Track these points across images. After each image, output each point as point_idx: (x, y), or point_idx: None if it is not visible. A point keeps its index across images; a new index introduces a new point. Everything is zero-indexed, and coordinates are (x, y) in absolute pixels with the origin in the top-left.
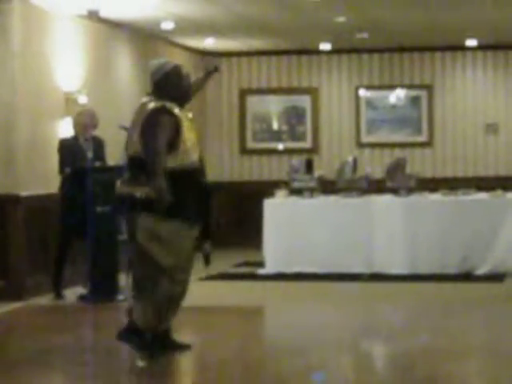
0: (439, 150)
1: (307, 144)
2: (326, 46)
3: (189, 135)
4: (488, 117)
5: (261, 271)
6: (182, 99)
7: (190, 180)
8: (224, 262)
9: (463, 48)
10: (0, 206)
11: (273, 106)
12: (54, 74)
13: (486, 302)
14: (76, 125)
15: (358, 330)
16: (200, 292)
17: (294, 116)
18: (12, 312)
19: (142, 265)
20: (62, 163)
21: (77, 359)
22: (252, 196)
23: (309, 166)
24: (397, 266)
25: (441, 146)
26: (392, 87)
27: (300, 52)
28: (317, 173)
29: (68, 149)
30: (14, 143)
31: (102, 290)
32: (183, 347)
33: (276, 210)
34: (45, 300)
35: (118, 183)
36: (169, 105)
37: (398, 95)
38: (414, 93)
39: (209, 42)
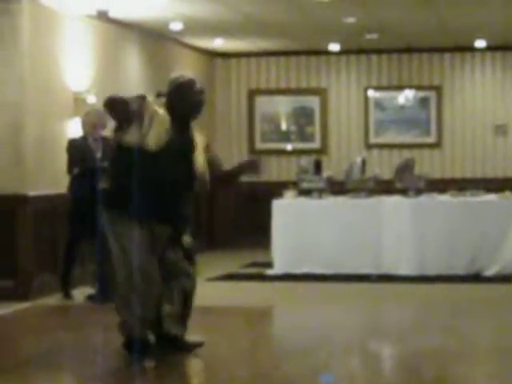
0: (448, 151)
1: (316, 145)
2: (334, 47)
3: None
4: (497, 118)
5: (269, 272)
6: (190, 113)
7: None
8: (232, 262)
9: (472, 49)
10: (8, 206)
11: (281, 107)
12: (62, 73)
13: (495, 303)
14: (85, 125)
15: (366, 331)
16: (208, 292)
17: (302, 117)
18: (20, 312)
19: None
20: (71, 163)
21: (85, 359)
22: (260, 197)
23: (317, 167)
24: (405, 266)
25: (449, 147)
26: (401, 88)
27: (309, 53)
28: (325, 173)
29: (77, 149)
30: (22, 143)
31: (111, 290)
32: (196, 345)
33: (284, 210)
34: (53, 300)
35: None
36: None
37: (406, 96)
38: (422, 94)
39: (217, 43)
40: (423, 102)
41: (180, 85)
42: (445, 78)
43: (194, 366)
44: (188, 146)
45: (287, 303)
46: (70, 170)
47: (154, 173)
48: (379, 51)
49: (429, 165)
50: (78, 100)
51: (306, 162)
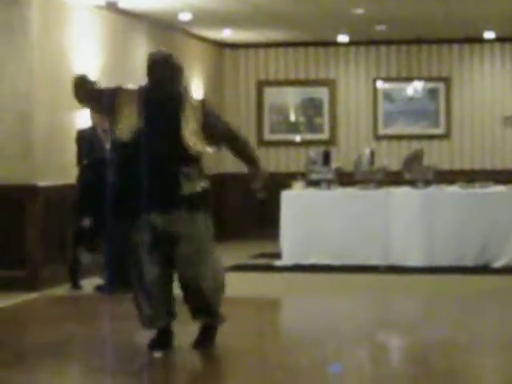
0: (457, 143)
1: (324, 136)
2: (343, 38)
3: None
4: (506, 109)
5: (278, 263)
6: (161, 87)
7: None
8: (241, 253)
9: (481, 40)
10: (18, 197)
11: (290, 98)
12: (71, 64)
13: (504, 294)
14: (94, 116)
15: (374, 322)
16: None
17: (311, 108)
18: (29, 302)
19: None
20: (80, 154)
21: (93, 350)
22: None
23: (326, 158)
24: (414, 258)
25: (458, 139)
26: (409, 79)
27: (318, 44)
28: (334, 165)
29: (86, 139)
30: (31, 134)
31: (119, 280)
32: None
33: (293, 201)
34: (61, 290)
35: None
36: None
37: (415, 87)
38: (431, 85)
39: (226, 34)
40: (432, 93)
41: (152, 61)
42: (454, 70)
43: (203, 356)
44: (168, 123)
45: (296, 294)
46: (79, 160)
47: (137, 161)
48: (388, 42)
49: (437, 156)
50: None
51: (314, 153)
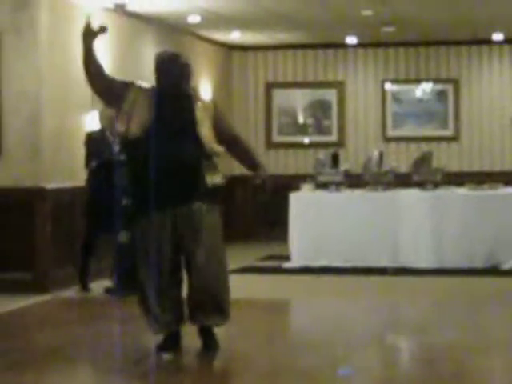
0: (465, 144)
1: (333, 138)
2: (352, 40)
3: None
4: None
5: (286, 265)
6: (175, 86)
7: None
8: (249, 255)
9: (490, 42)
10: (26, 199)
11: (299, 100)
12: (80, 66)
13: None
14: (102, 118)
15: (383, 324)
16: None
17: (319, 110)
18: (38, 304)
19: None
20: (89, 157)
21: (102, 352)
22: (278, 190)
23: (335, 160)
24: (423, 260)
25: (467, 140)
26: (418, 81)
27: (326, 45)
28: (343, 167)
29: (94, 142)
30: (40, 136)
31: (128, 282)
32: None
33: (302, 203)
34: (71, 293)
35: None
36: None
37: (424, 89)
38: (440, 87)
39: (235, 36)
40: (440, 94)
41: (162, 60)
42: (462, 71)
43: (211, 357)
44: (183, 120)
45: (304, 296)
46: (87, 163)
47: (148, 157)
48: (397, 44)
49: (446, 158)
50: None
51: (323, 155)
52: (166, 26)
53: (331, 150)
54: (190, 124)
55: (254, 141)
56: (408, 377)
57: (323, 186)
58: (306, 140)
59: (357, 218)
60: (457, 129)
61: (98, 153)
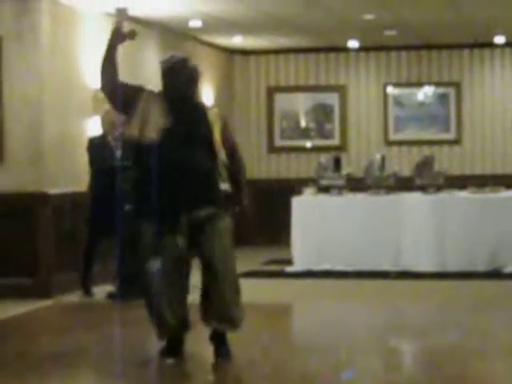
0: (467, 148)
1: (335, 142)
2: (353, 44)
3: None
4: None
5: (289, 269)
6: (184, 91)
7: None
8: (252, 259)
9: (491, 45)
10: (28, 204)
11: (301, 104)
12: (82, 72)
13: None
14: (104, 123)
15: (386, 328)
16: None
17: (321, 114)
18: (41, 309)
19: None
20: (91, 162)
21: (105, 357)
22: (280, 194)
23: (337, 164)
24: (425, 263)
25: (469, 144)
26: (420, 85)
27: (328, 49)
28: (345, 170)
29: (96, 147)
30: (42, 141)
31: (131, 287)
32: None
33: (304, 207)
34: (73, 297)
35: None
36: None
37: (425, 93)
38: (442, 90)
39: (237, 40)
40: (442, 98)
41: (171, 66)
42: (464, 75)
43: (215, 362)
44: (198, 126)
45: (307, 300)
46: (90, 168)
47: (159, 164)
48: (398, 48)
49: (448, 161)
50: (97, 98)
51: (325, 159)
52: (168, 31)
53: (333, 154)
54: (205, 131)
55: (256, 145)
56: (411, 380)
57: (325, 189)
58: (308, 144)
59: (359, 222)
60: (459, 130)
61: (99, 158)
